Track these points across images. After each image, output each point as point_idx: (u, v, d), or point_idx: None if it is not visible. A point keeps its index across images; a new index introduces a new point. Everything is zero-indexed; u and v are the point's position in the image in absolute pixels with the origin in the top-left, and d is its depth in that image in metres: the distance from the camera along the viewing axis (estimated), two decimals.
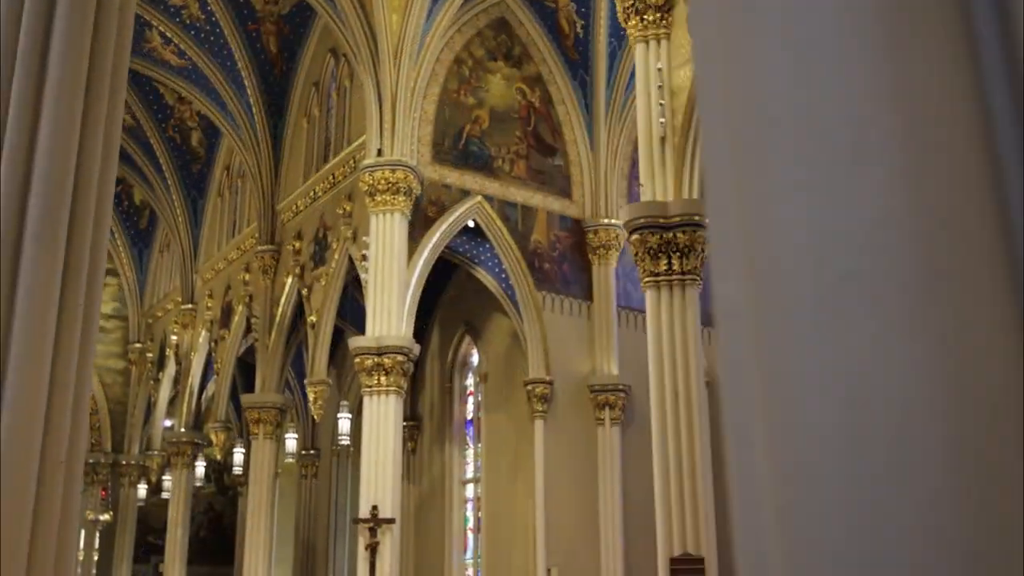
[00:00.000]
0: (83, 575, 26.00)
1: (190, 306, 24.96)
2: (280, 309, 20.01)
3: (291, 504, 25.58)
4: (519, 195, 17.99)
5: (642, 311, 17.09)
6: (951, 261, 0.97)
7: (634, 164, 18.28)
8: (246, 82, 20.63)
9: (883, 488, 0.93)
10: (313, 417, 20.53)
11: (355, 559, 15.60)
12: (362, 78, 16.74)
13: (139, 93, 23.01)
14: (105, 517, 26.76)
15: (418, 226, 16.52)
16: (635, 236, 11.60)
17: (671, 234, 11.43)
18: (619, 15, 12.53)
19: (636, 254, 11.62)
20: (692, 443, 10.85)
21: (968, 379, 0.95)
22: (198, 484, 25.79)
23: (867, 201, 0.97)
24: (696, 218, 11.52)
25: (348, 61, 18.46)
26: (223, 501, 30.84)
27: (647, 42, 12.04)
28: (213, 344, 23.14)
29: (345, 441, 20.71)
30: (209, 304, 23.69)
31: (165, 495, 25.55)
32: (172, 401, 26.17)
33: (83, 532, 23.47)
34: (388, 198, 15.84)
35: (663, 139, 11.64)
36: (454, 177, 17.32)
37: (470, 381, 20.71)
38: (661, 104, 11.71)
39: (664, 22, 11.98)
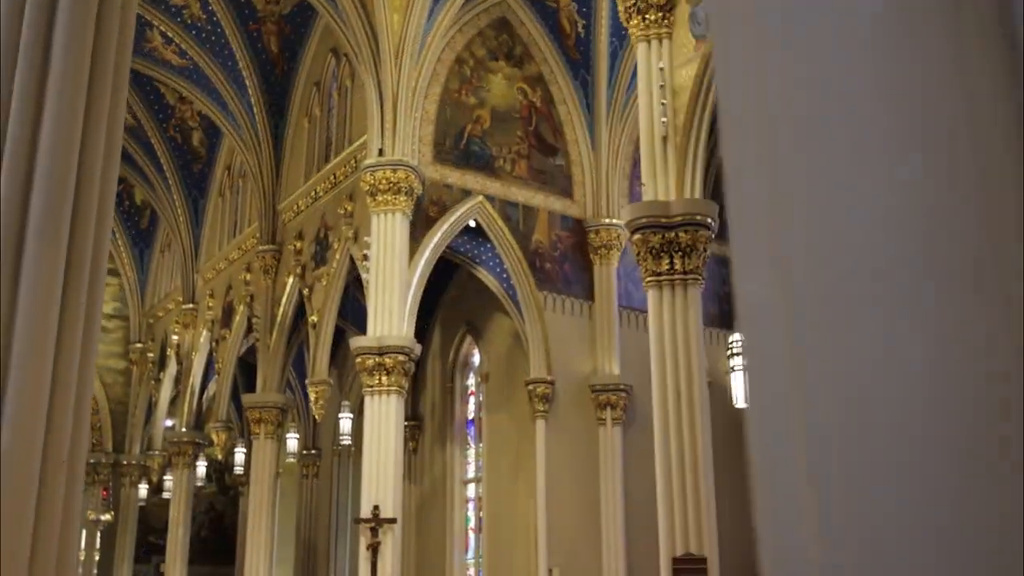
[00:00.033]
0: (84, 575, 25.99)
1: (191, 306, 24.95)
2: (281, 309, 20.00)
3: (292, 504, 25.58)
4: (520, 195, 17.97)
5: (643, 311, 17.09)
6: (987, 252, 0.94)
7: (635, 164, 18.26)
8: (247, 82, 20.62)
9: (937, 489, 0.90)
10: (314, 417, 20.52)
11: (356, 559, 15.58)
12: (363, 78, 16.72)
13: (140, 93, 23.01)
14: (106, 517, 26.76)
15: (419, 226, 16.50)
16: (637, 236, 11.58)
17: (673, 233, 11.41)
18: (621, 15, 12.50)
19: (638, 254, 11.60)
20: (694, 443, 10.83)
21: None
22: (199, 484, 25.78)
23: (901, 193, 0.95)
24: (698, 218, 11.50)
25: (349, 61, 18.45)
26: (224, 501, 30.84)
27: (649, 41, 12.02)
28: (214, 344, 23.14)
29: (346, 441, 20.70)
30: (210, 304, 23.69)
31: (166, 495, 25.56)
32: (173, 401, 26.17)
33: (84, 532, 23.46)
34: (389, 198, 15.82)
35: (665, 138, 11.62)
36: (455, 177, 17.31)
37: (471, 381, 20.69)
38: (663, 103, 11.69)
39: (666, 21, 11.96)
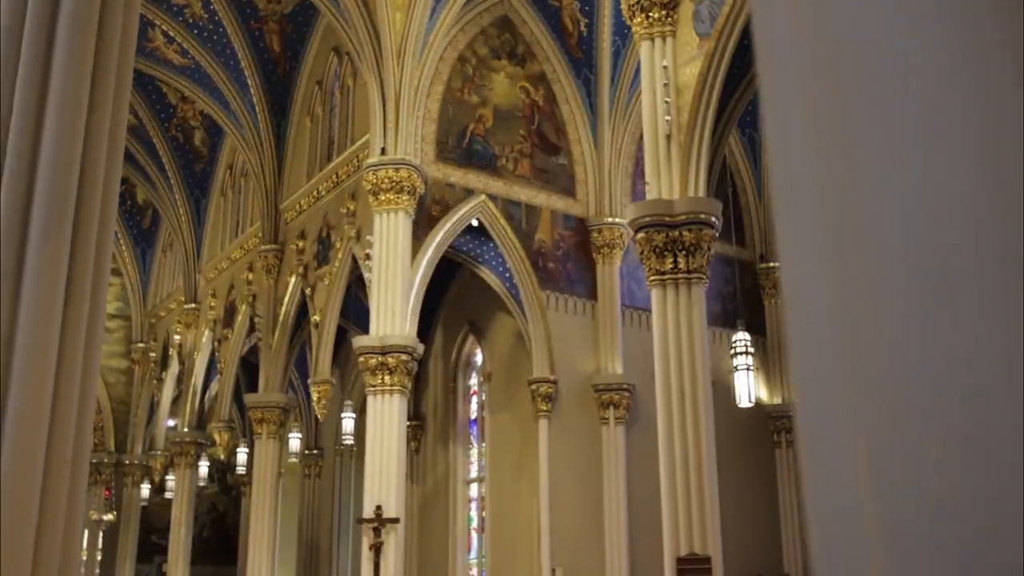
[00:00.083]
0: (86, 575, 25.97)
1: (193, 306, 24.94)
2: (283, 308, 19.98)
3: (294, 504, 25.56)
4: (523, 194, 17.94)
5: (646, 310, 17.07)
6: None
7: (638, 163, 18.23)
8: (249, 81, 20.59)
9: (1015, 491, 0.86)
10: (316, 417, 20.48)
11: (359, 559, 15.56)
12: (365, 77, 16.69)
13: (142, 92, 22.98)
14: (109, 517, 26.74)
15: (422, 225, 16.47)
16: (640, 234, 11.54)
17: (677, 232, 11.37)
18: (624, 12, 12.47)
19: (641, 252, 11.57)
20: (698, 442, 10.79)
21: None
22: (201, 484, 25.78)
23: (968, 175, 0.90)
24: (702, 216, 11.47)
25: (351, 60, 18.42)
26: (226, 501, 30.84)
27: (652, 39, 11.99)
28: (216, 344, 23.12)
29: (349, 441, 20.68)
30: (212, 304, 23.66)
31: (168, 495, 25.54)
32: (175, 401, 26.16)
33: (86, 532, 23.45)
34: (392, 197, 15.79)
35: (668, 137, 11.59)
36: (458, 176, 17.28)
37: (474, 380, 20.66)
38: (666, 102, 11.66)
39: (669, 19, 11.92)
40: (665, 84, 11.76)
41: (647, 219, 11.50)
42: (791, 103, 1.10)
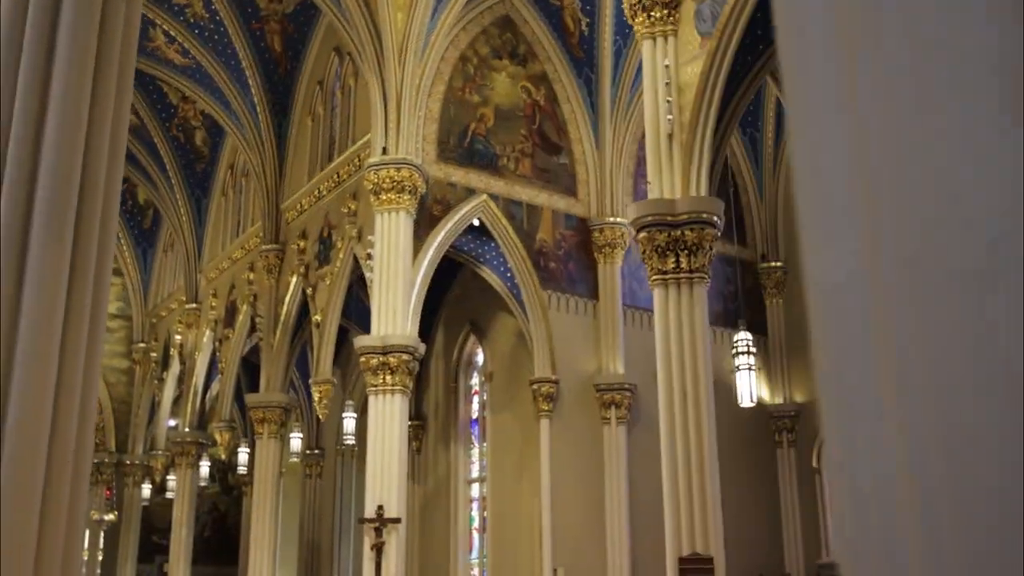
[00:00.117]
0: (87, 575, 25.96)
1: (194, 306, 24.93)
2: (284, 308, 19.96)
3: (295, 504, 25.55)
4: (524, 194, 17.93)
5: (648, 310, 17.05)
6: None
7: (639, 162, 18.20)
8: (250, 81, 20.58)
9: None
10: (318, 417, 20.47)
11: (360, 559, 15.54)
12: (367, 76, 16.68)
13: (143, 92, 22.97)
14: (109, 517, 26.74)
15: (423, 225, 16.46)
16: (642, 234, 11.53)
17: (679, 232, 11.36)
18: (626, 12, 12.46)
19: (643, 252, 11.55)
20: (700, 442, 10.78)
21: None
22: (202, 484, 25.78)
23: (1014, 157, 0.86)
24: (704, 216, 11.45)
25: (353, 59, 18.40)
26: (227, 501, 30.83)
27: (654, 38, 11.97)
28: (217, 344, 23.11)
29: (350, 441, 20.68)
30: (213, 303, 23.65)
31: (169, 495, 25.53)
32: (176, 401, 26.15)
33: (87, 532, 23.43)
34: (393, 197, 15.78)
35: (670, 136, 11.57)
36: (459, 176, 17.26)
37: (475, 380, 20.64)
38: (668, 101, 11.64)
39: (671, 18, 11.91)
40: (667, 83, 11.74)
41: (649, 218, 11.48)
42: (814, 77, 1.07)
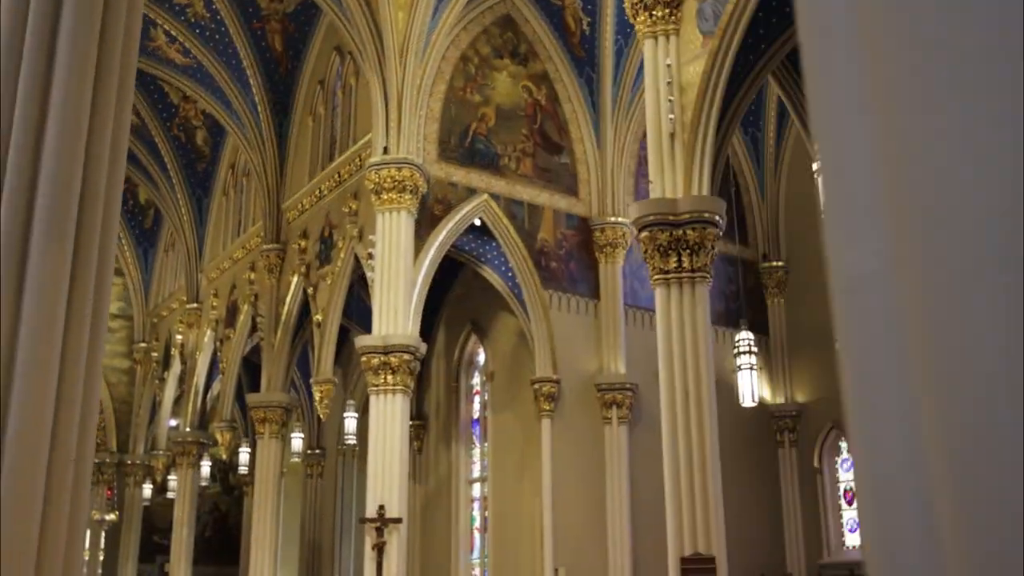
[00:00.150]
0: (88, 575, 25.95)
1: (195, 305, 24.92)
2: (286, 308, 19.95)
3: (297, 504, 25.54)
4: (525, 193, 17.91)
5: (649, 309, 17.03)
6: None
7: (641, 162, 18.19)
8: (251, 80, 20.57)
9: None
10: (319, 416, 20.48)
11: (361, 559, 15.54)
12: (368, 76, 16.67)
13: (144, 92, 22.96)
14: (111, 517, 26.73)
15: (424, 224, 16.44)
16: (644, 233, 11.51)
17: (681, 231, 11.34)
18: (627, 11, 12.44)
19: (645, 251, 11.53)
20: (702, 441, 10.76)
21: None
22: (203, 484, 25.77)
23: None
24: (706, 215, 11.43)
25: (354, 59, 18.39)
26: (228, 501, 30.82)
27: (656, 38, 11.96)
28: (218, 343, 23.10)
29: (351, 440, 20.68)
30: (214, 303, 23.64)
31: (170, 495, 25.53)
32: (177, 401, 26.14)
33: (88, 532, 23.42)
34: (394, 196, 15.76)
35: (672, 135, 11.56)
36: (460, 175, 17.25)
37: (476, 380, 20.63)
38: (670, 100, 11.62)
39: (673, 18, 11.89)
40: (669, 82, 11.72)
41: (651, 218, 11.47)
42: (838, 77, 1.05)
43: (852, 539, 19.21)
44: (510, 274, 17.90)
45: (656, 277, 11.44)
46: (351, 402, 20.60)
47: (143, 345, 29.42)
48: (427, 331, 18.24)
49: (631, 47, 17.73)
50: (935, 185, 0.92)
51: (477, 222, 17.42)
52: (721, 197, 11.94)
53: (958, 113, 0.93)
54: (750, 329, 14.65)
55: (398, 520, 14.58)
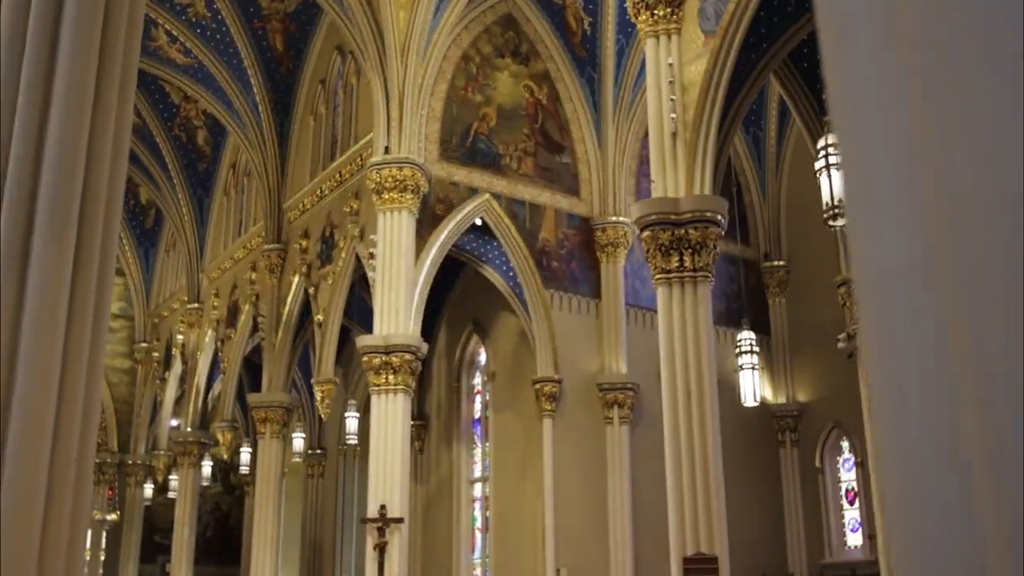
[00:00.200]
0: (90, 575, 25.94)
1: (196, 305, 24.91)
2: (287, 308, 19.94)
3: (298, 504, 25.53)
4: (527, 193, 17.90)
5: (651, 309, 17.01)
6: None
7: (642, 162, 18.18)
8: (252, 80, 20.56)
9: None
10: (320, 416, 20.47)
11: (362, 559, 15.53)
12: (369, 75, 16.65)
13: (145, 91, 22.95)
14: (112, 517, 26.73)
15: (425, 224, 16.43)
16: (646, 233, 11.48)
17: (683, 231, 11.31)
18: (629, 10, 12.41)
19: (647, 251, 11.51)
20: (704, 441, 10.74)
21: None
22: (204, 484, 25.75)
23: None
24: (708, 214, 11.40)
25: (355, 58, 18.38)
26: (230, 501, 30.80)
27: (657, 37, 11.93)
28: (219, 343, 23.09)
29: (352, 440, 20.67)
30: (215, 303, 23.63)
31: (171, 495, 25.52)
32: (178, 401, 26.13)
33: (89, 532, 23.42)
34: (395, 196, 15.75)
35: (674, 135, 11.53)
36: (462, 175, 17.23)
37: (478, 380, 20.61)
38: (672, 99, 11.60)
39: (675, 17, 11.87)
40: (670, 82, 11.70)
41: (653, 217, 11.44)
42: (860, 72, 1.03)
43: (854, 539, 19.19)
44: (511, 274, 17.89)
45: (658, 276, 11.42)
46: (352, 402, 20.61)
47: (144, 345, 29.40)
48: (428, 331, 18.22)
49: (632, 47, 17.72)
50: (968, 176, 0.90)
51: (478, 222, 17.40)
52: (722, 196, 11.92)
53: (992, 103, 0.91)
54: (751, 329, 14.64)
55: (399, 520, 14.57)
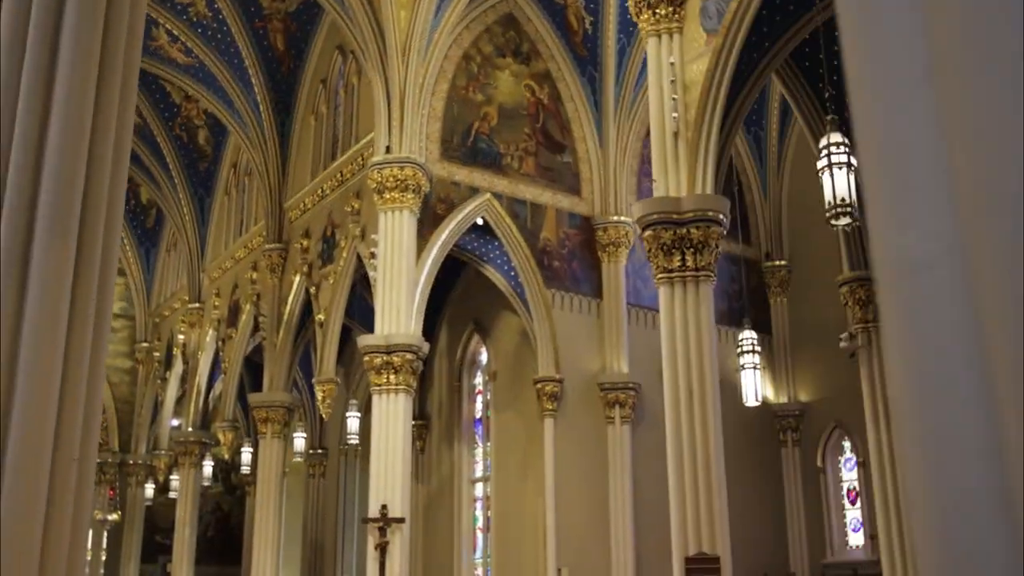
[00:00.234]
0: (91, 575, 25.94)
1: (197, 305, 24.90)
2: (288, 308, 19.93)
3: (299, 504, 25.52)
4: (528, 192, 17.88)
5: (652, 308, 17.01)
6: None
7: (643, 161, 18.17)
8: (253, 80, 20.54)
9: None
10: (321, 416, 20.45)
11: (364, 558, 15.52)
12: (370, 75, 16.64)
13: (146, 91, 22.93)
14: (113, 517, 26.73)
15: (427, 224, 16.41)
16: (648, 232, 11.46)
17: (684, 230, 11.30)
18: (630, 9, 12.40)
19: (649, 250, 11.49)
20: (706, 441, 10.72)
21: None
22: (206, 484, 25.75)
23: None
24: (710, 214, 11.39)
25: (356, 58, 18.37)
26: (231, 501, 30.80)
27: (659, 36, 11.91)
28: (220, 343, 23.08)
29: (353, 440, 20.65)
30: (216, 303, 23.62)
31: (173, 495, 25.51)
32: (179, 400, 26.12)
33: (91, 532, 23.41)
34: (397, 195, 15.74)
35: (676, 134, 11.52)
36: (463, 174, 17.22)
37: (479, 379, 20.60)
38: (674, 99, 11.58)
39: (676, 16, 11.85)
40: (672, 81, 11.68)
41: (655, 216, 11.42)
42: (890, 52, 1.00)
43: (855, 539, 19.17)
44: (512, 273, 17.87)
45: (660, 276, 11.40)
46: (353, 402, 20.58)
47: (145, 345, 29.40)
48: (429, 330, 18.20)
49: (633, 46, 17.70)
50: (1007, 160, 0.88)
51: (480, 221, 17.39)
52: (726, 195, 11.90)
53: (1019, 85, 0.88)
54: (753, 328, 14.62)
55: (401, 520, 14.55)
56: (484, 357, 20.32)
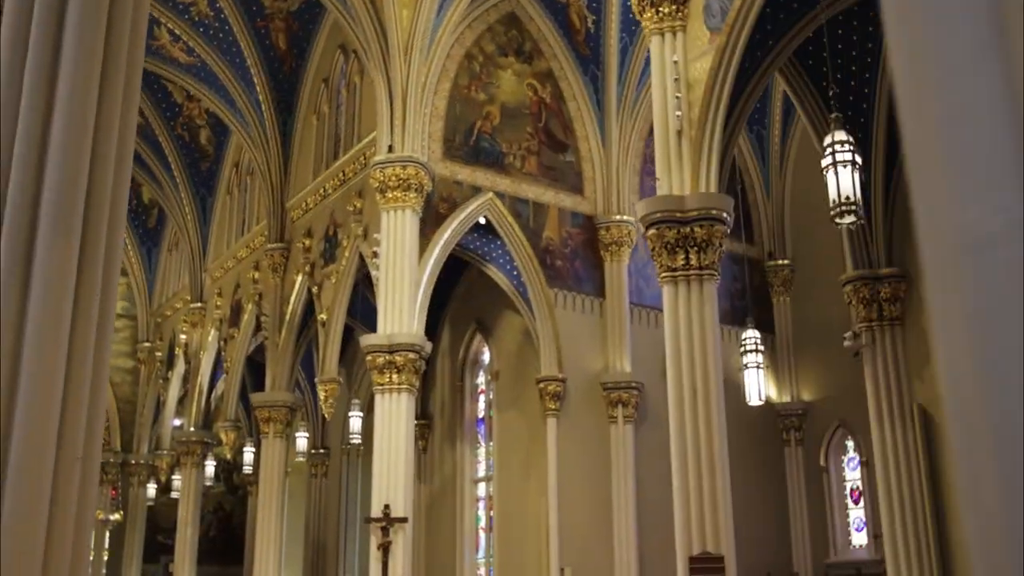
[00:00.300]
0: (93, 575, 25.93)
1: (199, 305, 24.88)
2: (290, 307, 19.91)
3: (301, 503, 25.51)
4: (531, 191, 17.86)
5: (655, 308, 16.99)
6: None
7: (646, 160, 18.14)
8: (255, 79, 20.52)
9: None
10: (323, 416, 20.42)
11: (366, 558, 15.50)
12: (372, 74, 16.62)
13: (147, 91, 22.91)
14: (115, 517, 26.71)
15: (429, 223, 16.39)
16: (652, 231, 11.44)
17: (688, 228, 11.27)
18: (633, 7, 12.37)
19: (653, 249, 11.46)
20: (710, 440, 10.69)
21: None
22: (208, 483, 25.75)
23: None
24: (713, 212, 11.36)
25: (358, 57, 18.35)
26: (233, 500, 30.79)
27: (663, 34, 11.88)
28: (222, 343, 23.06)
29: (356, 440, 20.61)
30: (218, 303, 23.61)
31: (175, 495, 25.51)
32: (181, 400, 26.10)
33: (93, 532, 23.38)
34: (399, 195, 15.72)
35: (679, 132, 11.49)
36: (465, 174, 17.19)
37: (481, 379, 20.58)
38: (677, 97, 11.55)
39: (680, 14, 11.82)
40: (675, 79, 11.65)
41: (658, 215, 11.40)
42: (957, 25, 0.97)
43: (858, 538, 19.14)
44: (515, 273, 17.85)
45: (663, 275, 11.38)
46: (356, 401, 20.54)
47: (147, 345, 29.39)
48: (432, 330, 18.17)
49: (636, 45, 17.68)
50: None
51: (482, 220, 17.37)
52: (730, 193, 11.87)
53: None
54: (756, 327, 14.60)
55: (403, 520, 14.53)
56: (487, 356, 20.30)
